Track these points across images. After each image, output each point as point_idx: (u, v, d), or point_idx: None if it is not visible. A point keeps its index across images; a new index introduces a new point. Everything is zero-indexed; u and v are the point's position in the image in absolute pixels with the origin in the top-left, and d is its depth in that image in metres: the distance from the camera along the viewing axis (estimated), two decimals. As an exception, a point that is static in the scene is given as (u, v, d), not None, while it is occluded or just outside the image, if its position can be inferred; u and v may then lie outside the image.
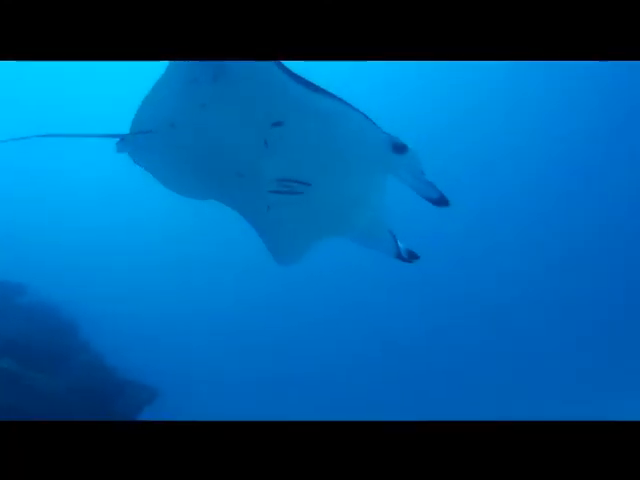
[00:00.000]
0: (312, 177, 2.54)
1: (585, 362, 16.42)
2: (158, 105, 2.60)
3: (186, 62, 2.42)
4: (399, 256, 2.61)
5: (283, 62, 2.37)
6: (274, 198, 2.63)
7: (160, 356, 13.41)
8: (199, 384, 13.92)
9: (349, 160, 2.49)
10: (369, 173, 2.54)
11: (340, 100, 2.39)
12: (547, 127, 16.32)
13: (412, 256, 2.62)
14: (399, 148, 2.39)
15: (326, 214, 2.65)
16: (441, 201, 2.38)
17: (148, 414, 8.05)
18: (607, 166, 16.15)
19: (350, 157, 2.49)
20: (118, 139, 2.76)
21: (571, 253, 17.24)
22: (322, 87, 2.41)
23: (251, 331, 16.55)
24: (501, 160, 16.98)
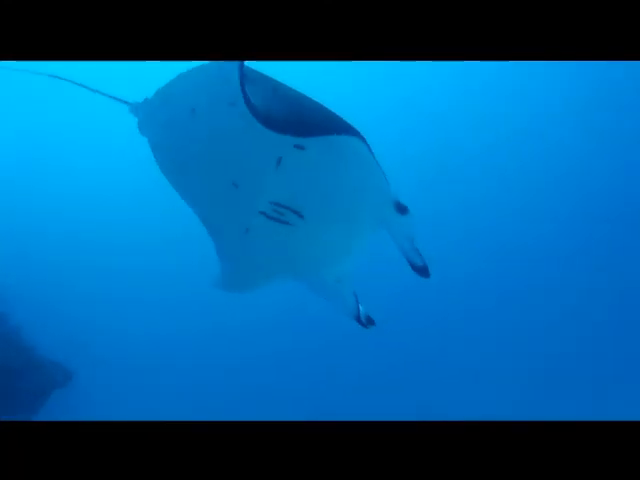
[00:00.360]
0: (308, 211, 2.41)
1: (585, 362, 16.45)
2: (188, 87, 2.48)
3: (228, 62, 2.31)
4: (357, 319, 2.58)
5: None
6: (258, 221, 2.47)
7: (83, 341, 12.74)
8: (118, 379, 13.27)
9: (351, 206, 2.42)
10: (363, 224, 2.48)
11: (368, 147, 2.32)
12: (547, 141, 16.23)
13: (369, 322, 2.59)
14: (401, 209, 2.38)
15: (304, 254, 2.52)
16: (423, 271, 2.38)
17: (53, 398, 7.82)
18: (612, 177, 16.10)
19: (353, 203, 2.42)
20: (130, 105, 2.68)
21: (571, 257, 17.25)
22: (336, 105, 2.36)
23: (190, 326, 15.64)
24: (498, 165, 16.98)
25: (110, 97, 2.71)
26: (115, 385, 12.57)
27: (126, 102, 2.68)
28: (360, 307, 2.60)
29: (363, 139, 2.32)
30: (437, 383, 15.82)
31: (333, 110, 2.42)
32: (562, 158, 16.78)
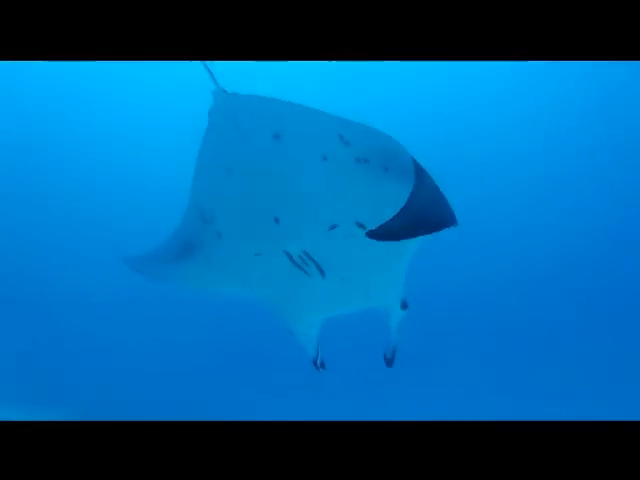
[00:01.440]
0: (332, 275, 2.35)
1: (585, 362, 16.44)
2: (288, 113, 2.26)
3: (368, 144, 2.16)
4: (314, 362, 2.59)
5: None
6: (275, 257, 2.36)
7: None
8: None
9: (370, 286, 2.44)
10: (368, 301, 2.52)
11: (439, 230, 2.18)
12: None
13: (322, 366, 2.60)
14: (404, 305, 2.51)
15: (300, 300, 2.48)
16: (388, 362, 2.50)
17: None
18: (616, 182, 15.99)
19: (373, 286, 2.44)
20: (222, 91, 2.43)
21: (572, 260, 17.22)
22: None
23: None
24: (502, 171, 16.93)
25: (209, 71, 2.52)
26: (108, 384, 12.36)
27: (217, 83, 2.42)
28: (320, 351, 2.61)
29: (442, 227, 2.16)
30: (436, 383, 15.83)
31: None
32: (564, 159, 16.77)
